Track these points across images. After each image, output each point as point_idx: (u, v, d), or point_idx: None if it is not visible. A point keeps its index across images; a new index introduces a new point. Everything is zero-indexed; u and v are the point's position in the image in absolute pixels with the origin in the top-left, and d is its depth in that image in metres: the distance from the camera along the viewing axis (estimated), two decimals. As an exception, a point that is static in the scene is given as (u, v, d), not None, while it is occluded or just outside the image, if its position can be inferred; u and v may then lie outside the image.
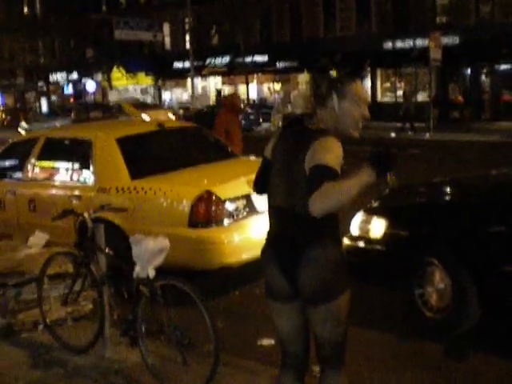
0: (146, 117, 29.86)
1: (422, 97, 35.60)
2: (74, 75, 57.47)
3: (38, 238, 6.58)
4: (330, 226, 3.32)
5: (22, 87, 62.93)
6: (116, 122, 11.55)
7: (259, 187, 3.63)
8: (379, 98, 38.84)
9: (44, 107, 59.78)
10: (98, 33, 48.34)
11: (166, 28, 48.49)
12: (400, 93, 37.62)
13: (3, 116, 54.96)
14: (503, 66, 33.25)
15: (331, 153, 3.13)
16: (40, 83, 60.36)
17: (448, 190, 6.51)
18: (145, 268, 4.58)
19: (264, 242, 3.51)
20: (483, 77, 35.16)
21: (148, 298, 4.66)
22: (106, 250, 5.26)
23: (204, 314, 4.39)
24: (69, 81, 58.92)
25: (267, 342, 5.63)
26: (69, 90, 60.07)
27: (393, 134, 28.78)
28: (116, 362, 5.18)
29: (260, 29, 43.47)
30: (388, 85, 39.30)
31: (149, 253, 4.54)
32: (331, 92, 3.33)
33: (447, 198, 6.37)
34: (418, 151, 20.95)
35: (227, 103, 10.29)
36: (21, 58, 57.61)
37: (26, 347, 5.62)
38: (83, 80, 55.26)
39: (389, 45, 36.92)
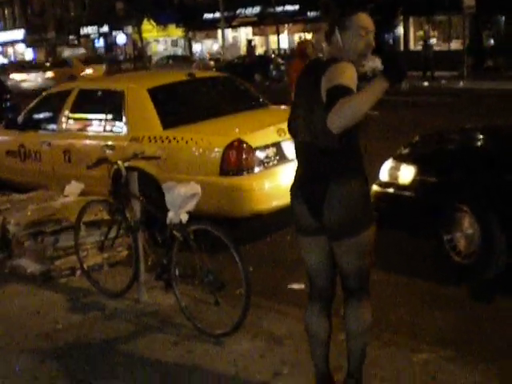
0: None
1: (455, 45, 35.09)
2: (105, 28, 57.48)
3: (74, 187, 6.74)
4: (353, 160, 3.37)
5: (54, 41, 63.11)
6: (147, 73, 11.63)
7: (290, 129, 3.66)
8: (412, 46, 38.32)
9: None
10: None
11: (196, -22, 48.02)
12: (434, 41, 37.17)
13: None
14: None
15: (345, 73, 3.14)
16: (71, 37, 60.46)
17: (479, 136, 6.50)
18: (178, 213, 4.71)
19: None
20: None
21: (181, 243, 4.80)
22: (140, 198, 5.39)
23: (236, 258, 4.51)
24: (100, 34, 58.97)
25: (297, 286, 5.76)
26: (100, 43, 60.16)
27: (425, 83, 28.48)
28: (151, 304, 5.36)
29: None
30: (421, 33, 38.67)
31: (181, 198, 4.66)
32: (334, 27, 3.36)
33: (478, 144, 6.36)
34: (450, 99, 20.77)
35: (297, 50, 10.23)
36: (51, 12, 57.62)
37: (65, 292, 5.82)
38: (114, 33, 55.28)
39: (422, -8, 36.24)
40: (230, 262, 4.65)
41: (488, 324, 4.95)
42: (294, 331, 4.66)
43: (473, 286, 5.60)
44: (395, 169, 6.21)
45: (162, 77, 8.97)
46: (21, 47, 67.18)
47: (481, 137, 6.45)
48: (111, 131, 7.75)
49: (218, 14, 43.32)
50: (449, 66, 31.63)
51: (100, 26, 57.58)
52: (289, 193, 3.57)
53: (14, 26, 65.26)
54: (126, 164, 5.55)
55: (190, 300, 5.06)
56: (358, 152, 3.40)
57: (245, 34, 48.68)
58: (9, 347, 4.81)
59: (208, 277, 4.66)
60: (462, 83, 27.52)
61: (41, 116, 8.93)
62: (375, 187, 6.34)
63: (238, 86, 8.72)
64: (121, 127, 7.59)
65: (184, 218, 4.71)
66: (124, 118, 7.55)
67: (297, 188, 3.51)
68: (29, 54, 66.04)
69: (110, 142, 7.54)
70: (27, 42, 65.97)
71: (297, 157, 3.55)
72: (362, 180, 3.40)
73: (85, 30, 59.24)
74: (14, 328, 5.13)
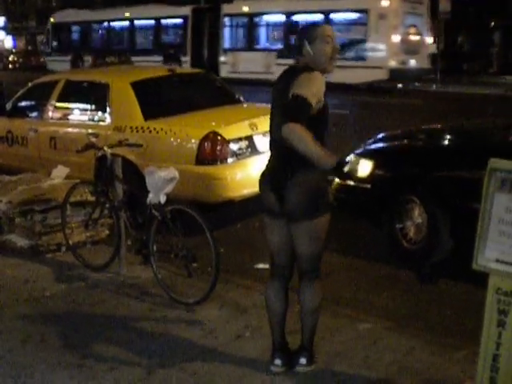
0: None
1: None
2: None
3: (60, 171, 7.31)
4: None
5: (34, 30, 63.07)
6: (131, 67, 12.20)
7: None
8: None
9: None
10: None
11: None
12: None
13: (15, 59, 55.36)
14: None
15: (311, 85, 3.76)
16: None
17: (430, 136, 7.17)
18: (157, 195, 5.31)
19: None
20: (492, 31, 35.40)
21: (159, 221, 5.39)
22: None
23: (207, 235, 5.11)
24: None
25: (262, 265, 6.35)
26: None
27: (399, 85, 29.19)
28: (130, 277, 5.96)
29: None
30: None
31: (161, 181, 5.25)
32: (303, 40, 3.97)
33: (429, 143, 6.99)
34: (421, 102, 21.51)
35: None
36: (32, 1, 57.58)
37: (51, 265, 6.40)
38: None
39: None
40: (203, 241, 5.21)
41: (428, 303, 5.60)
42: (258, 303, 5.23)
43: (419, 269, 6.24)
44: (355, 163, 6.83)
45: (144, 71, 9.55)
46: (1, 34, 67.01)
47: (432, 136, 7.12)
48: (96, 120, 8.31)
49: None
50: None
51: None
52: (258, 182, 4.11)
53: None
54: (111, 150, 6.13)
55: (165, 273, 5.66)
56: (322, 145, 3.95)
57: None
58: (2, 310, 5.37)
59: (182, 251, 5.27)
60: (434, 86, 28.29)
61: (28, 104, 9.45)
62: (337, 179, 6.95)
63: (215, 82, 9.32)
64: (105, 117, 8.15)
65: (163, 198, 5.31)
66: (108, 109, 8.10)
67: (266, 175, 4.07)
68: (8, 42, 65.95)
69: (94, 131, 8.08)
70: (7, 29, 65.85)
71: (270, 150, 4.11)
72: (320, 172, 3.92)
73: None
74: (6, 294, 5.69)
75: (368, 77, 24.75)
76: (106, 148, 6.00)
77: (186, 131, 7.41)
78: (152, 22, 32.22)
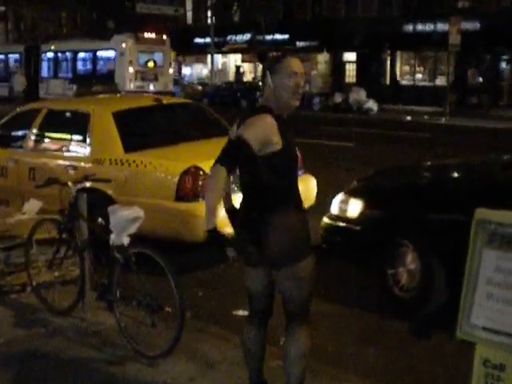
0: None
1: (440, 81, 35.62)
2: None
3: (33, 205, 6.84)
4: (287, 194, 3.66)
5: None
6: (115, 97, 11.80)
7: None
8: (398, 79, 38.81)
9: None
10: (120, 5, 48.45)
11: (189, 3, 48.65)
12: (419, 76, 37.81)
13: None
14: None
15: (252, 127, 3.53)
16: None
17: (425, 174, 6.69)
18: (120, 236, 4.84)
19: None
20: (502, 64, 35.06)
21: (122, 265, 4.92)
22: (99, 220, 5.51)
23: (170, 281, 4.63)
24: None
25: (242, 312, 5.86)
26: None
27: (408, 117, 28.84)
28: (94, 324, 5.47)
29: (281, 7, 43.48)
30: (407, 67, 39.28)
31: (124, 221, 4.80)
32: (266, 71, 3.71)
33: (423, 183, 6.50)
34: (428, 135, 21.05)
35: None
36: (43, 28, 57.76)
37: (13, 307, 5.91)
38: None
39: (410, 28, 36.83)
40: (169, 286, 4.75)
41: (419, 360, 5.09)
42: (230, 356, 4.79)
43: (412, 320, 5.73)
44: (345, 202, 6.36)
45: (128, 101, 9.14)
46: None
47: (427, 175, 6.63)
48: (75, 152, 7.86)
49: (208, 39, 43.71)
50: (433, 102, 32.15)
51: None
52: None
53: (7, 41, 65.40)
54: (83, 185, 5.70)
55: (129, 321, 5.14)
56: (292, 186, 3.70)
57: (234, 60, 49.05)
58: (-52, 360, 4.89)
59: (146, 299, 4.78)
60: (444, 119, 27.91)
61: (9, 133, 9.04)
62: (325, 219, 6.49)
63: (204, 113, 8.89)
64: (84, 148, 7.72)
65: (126, 240, 4.84)
66: (88, 140, 7.68)
67: (239, 220, 3.76)
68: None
69: (73, 163, 7.65)
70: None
71: (241, 191, 3.82)
72: (297, 212, 3.66)
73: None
74: (-42, 341, 5.22)
75: None
76: (70, 183, 5.56)
77: (166, 165, 6.98)
78: (2, 56, 42.90)
